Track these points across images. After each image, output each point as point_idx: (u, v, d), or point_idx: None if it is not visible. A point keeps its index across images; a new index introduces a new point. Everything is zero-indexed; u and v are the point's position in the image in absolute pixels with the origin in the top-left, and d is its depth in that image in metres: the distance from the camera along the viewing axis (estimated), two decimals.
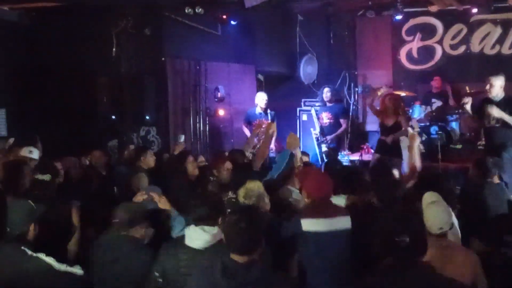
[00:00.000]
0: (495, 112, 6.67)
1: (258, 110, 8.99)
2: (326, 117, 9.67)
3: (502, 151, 6.64)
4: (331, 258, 3.80)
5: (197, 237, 3.35)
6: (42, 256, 2.97)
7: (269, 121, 8.88)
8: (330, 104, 9.73)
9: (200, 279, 2.91)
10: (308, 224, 3.83)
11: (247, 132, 8.98)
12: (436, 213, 3.48)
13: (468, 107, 7.04)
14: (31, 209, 3.20)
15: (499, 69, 9.12)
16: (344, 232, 3.86)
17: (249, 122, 9.03)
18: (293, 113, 10.03)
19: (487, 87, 6.89)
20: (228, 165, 5.55)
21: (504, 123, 6.72)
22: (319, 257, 3.81)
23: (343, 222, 3.88)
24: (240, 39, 9.91)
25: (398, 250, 2.59)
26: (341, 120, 9.65)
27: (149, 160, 6.24)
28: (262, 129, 7.86)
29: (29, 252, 2.98)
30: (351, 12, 10.51)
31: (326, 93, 9.68)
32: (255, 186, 4.20)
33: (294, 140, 5.80)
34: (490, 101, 6.85)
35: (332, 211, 3.93)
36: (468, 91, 9.09)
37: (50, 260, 2.96)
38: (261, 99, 8.99)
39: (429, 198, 3.64)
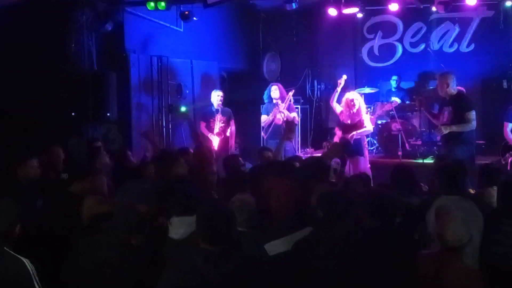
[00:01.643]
0: (443, 129, 6.83)
1: (214, 107, 8.95)
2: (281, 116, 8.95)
3: (454, 149, 6.79)
4: None
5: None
6: (26, 261, 2.97)
7: (225, 118, 8.84)
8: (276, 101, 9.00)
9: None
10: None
11: (204, 130, 8.90)
12: (455, 223, 3.16)
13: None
14: (16, 209, 3.21)
15: (457, 66, 9.40)
16: None
17: (206, 121, 8.97)
18: (256, 110, 10.00)
19: (437, 86, 7.14)
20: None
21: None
22: None
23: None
24: (203, 35, 9.84)
25: None
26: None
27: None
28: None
29: (12, 254, 2.97)
30: (313, 10, 10.55)
31: (274, 91, 9.02)
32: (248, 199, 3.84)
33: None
34: (441, 100, 7.17)
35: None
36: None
37: (31, 268, 2.96)
38: (215, 96, 8.94)
39: (444, 207, 3.37)
